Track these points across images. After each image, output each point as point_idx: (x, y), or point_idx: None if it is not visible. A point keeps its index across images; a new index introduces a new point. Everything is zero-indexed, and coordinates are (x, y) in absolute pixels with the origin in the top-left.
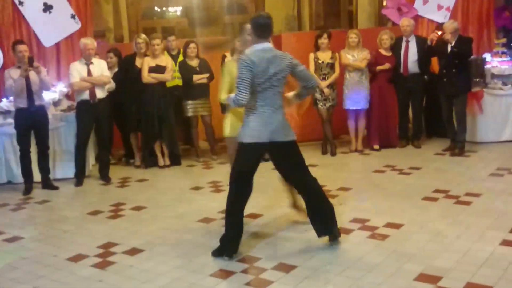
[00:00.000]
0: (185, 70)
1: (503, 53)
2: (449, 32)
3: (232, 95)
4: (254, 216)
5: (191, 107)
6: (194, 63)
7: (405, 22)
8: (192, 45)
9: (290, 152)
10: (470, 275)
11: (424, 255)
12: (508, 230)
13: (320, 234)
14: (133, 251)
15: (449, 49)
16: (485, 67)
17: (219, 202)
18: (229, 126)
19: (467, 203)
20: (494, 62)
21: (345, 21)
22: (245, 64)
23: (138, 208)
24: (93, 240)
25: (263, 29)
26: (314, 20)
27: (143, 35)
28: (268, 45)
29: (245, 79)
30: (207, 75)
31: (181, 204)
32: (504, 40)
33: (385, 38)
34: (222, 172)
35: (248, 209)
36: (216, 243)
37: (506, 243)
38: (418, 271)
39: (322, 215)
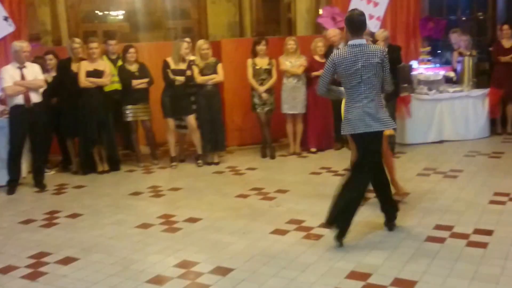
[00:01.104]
0: (124, 75)
1: (428, 60)
2: (381, 40)
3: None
4: (193, 220)
5: (130, 112)
6: (133, 67)
7: (331, 33)
8: (131, 50)
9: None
10: (398, 271)
11: (355, 253)
12: (432, 227)
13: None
14: (67, 260)
15: None
16: (412, 73)
17: (158, 207)
18: None
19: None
20: (420, 69)
21: (285, 28)
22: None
23: (74, 216)
24: (24, 250)
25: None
26: (255, 27)
27: (77, 39)
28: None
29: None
30: (146, 79)
31: (119, 210)
32: (429, 49)
33: (320, 45)
34: (162, 176)
35: (187, 213)
36: (152, 248)
37: (430, 239)
38: (349, 269)
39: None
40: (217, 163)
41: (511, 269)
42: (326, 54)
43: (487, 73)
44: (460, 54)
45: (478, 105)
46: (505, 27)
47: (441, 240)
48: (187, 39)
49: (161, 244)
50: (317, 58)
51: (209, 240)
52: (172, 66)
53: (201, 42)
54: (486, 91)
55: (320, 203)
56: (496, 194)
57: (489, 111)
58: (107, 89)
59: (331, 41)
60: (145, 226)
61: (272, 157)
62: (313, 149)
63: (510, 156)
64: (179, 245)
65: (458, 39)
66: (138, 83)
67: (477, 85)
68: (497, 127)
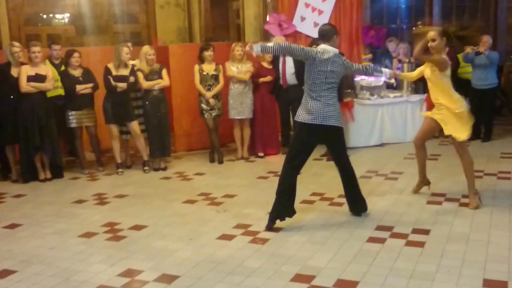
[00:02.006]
0: (67, 80)
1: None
2: None
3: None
4: (138, 227)
5: (74, 118)
6: (77, 72)
7: (278, 41)
8: (75, 54)
9: None
10: (340, 272)
11: (300, 256)
12: (374, 228)
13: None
14: (4, 273)
15: None
16: (354, 79)
17: (103, 215)
18: None
19: (340, 204)
20: (362, 76)
21: (234, 34)
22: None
23: (12, 226)
24: None
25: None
26: (204, 32)
27: (17, 43)
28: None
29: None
30: (91, 85)
31: (61, 219)
32: (370, 56)
33: None
34: (108, 183)
35: (133, 220)
36: (95, 258)
37: (372, 239)
38: (294, 272)
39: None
40: (164, 169)
41: (446, 266)
42: (273, 61)
43: (422, 79)
44: (400, 61)
45: (416, 110)
46: None
47: (381, 240)
48: (128, 44)
49: (104, 253)
50: (265, 64)
51: (155, 247)
52: (114, 72)
53: (146, 48)
54: (423, 96)
55: (267, 207)
56: (434, 194)
57: None
58: (50, 94)
59: None
60: (88, 235)
61: (220, 162)
62: (261, 154)
63: (446, 158)
64: (123, 254)
65: (396, 47)
66: (82, 89)
67: (415, 90)
68: None
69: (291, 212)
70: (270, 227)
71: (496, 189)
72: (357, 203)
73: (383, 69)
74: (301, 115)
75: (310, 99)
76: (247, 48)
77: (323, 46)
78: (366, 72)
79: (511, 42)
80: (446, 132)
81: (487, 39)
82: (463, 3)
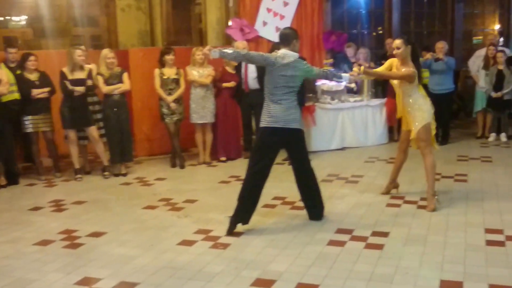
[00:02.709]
0: (23, 84)
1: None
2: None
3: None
4: (97, 234)
5: (31, 123)
6: (33, 76)
7: (240, 45)
8: (31, 58)
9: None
10: (301, 276)
11: (260, 261)
12: (334, 231)
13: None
14: None
15: None
16: (316, 84)
17: (60, 222)
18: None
19: (301, 208)
20: (324, 80)
21: (196, 38)
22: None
23: None
24: None
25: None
26: (166, 36)
27: None
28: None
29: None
30: (47, 89)
31: (16, 227)
32: (331, 61)
33: None
34: (66, 190)
35: (91, 227)
36: (52, 266)
37: (332, 243)
38: (254, 277)
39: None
40: (124, 174)
41: (404, 268)
42: (237, 66)
43: (381, 84)
44: (360, 66)
45: (377, 114)
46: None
47: (341, 243)
48: (81, 46)
49: (61, 261)
50: (229, 69)
51: (113, 254)
52: (69, 76)
53: (106, 51)
54: (383, 100)
55: (228, 211)
56: (393, 197)
57: (387, 119)
58: (5, 99)
59: None
60: (44, 243)
61: (182, 167)
62: (223, 158)
63: (406, 161)
64: (81, 262)
65: (355, 52)
66: (38, 93)
67: (375, 95)
68: (394, 134)
69: (247, 219)
70: (230, 232)
71: (453, 191)
72: (314, 208)
73: (343, 74)
74: (263, 120)
75: (271, 103)
76: (205, 50)
77: (283, 51)
78: (326, 77)
79: (468, 48)
80: (412, 136)
81: (442, 45)
82: (422, 10)
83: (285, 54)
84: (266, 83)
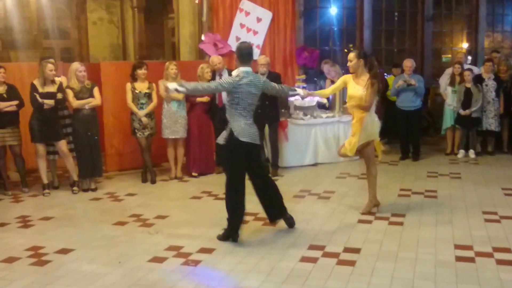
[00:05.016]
0: None
1: (303, 87)
2: (263, 63)
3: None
4: (65, 251)
5: None
6: (0, 89)
7: (216, 60)
8: (0, 70)
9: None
10: None
11: (232, 277)
12: (307, 247)
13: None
14: None
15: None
16: (288, 99)
17: (27, 238)
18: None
19: (274, 224)
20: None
21: (168, 52)
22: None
23: None
24: None
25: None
26: (138, 50)
27: None
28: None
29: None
30: (15, 102)
31: None
32: (303, 76)
33: (208, 71)
34: (33, 205)
35: (58, 243)
36: (18, 284)
37: (304, 259)
38: None
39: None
40: (94, 189)
41: (376, 284)
42: (210, 81)
43: None
44: (332, 82)
45: (348, 130)
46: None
47: (314, 260)
48: (51, 60)
49: (27, 279)
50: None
51: (81, 272)
52: (40, 89)
53: (76, 64)
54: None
55: (200, 227)
56: (364, 213)
57: None
58: None
59: (215, 68)
60: (10, 260)
61: (153, 182)
62: (195, 174)
63: (378, 177)
64: (48, 279)
65: (330, 69)
66: (5, 106)
67: (347, 111)
68: None
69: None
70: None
71: (423, 208)
72: (274, 210)
73: (297, 88)
74: (227, 137)
75: (237, 120)
76: (163, 87)
77: (242, 69)
78: (283, 92)
79: (437, 65)
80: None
81: (410, 64)
82: (392, 28)
83: (245, 73)
84: (229, 101)
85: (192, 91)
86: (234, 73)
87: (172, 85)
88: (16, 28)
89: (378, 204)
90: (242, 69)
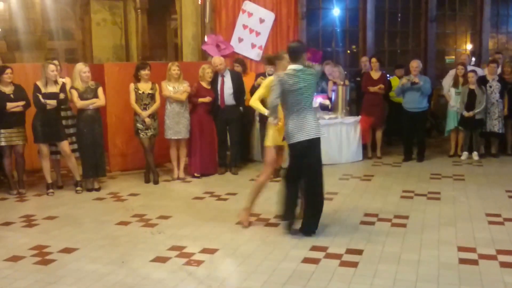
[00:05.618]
0: None
1: None
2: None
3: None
4: (69, 250)
5: (4, 136)
6: (8, 89)
7: (217, 61)
8: (8, 71)
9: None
10: None
11: (234, 278)
12: (309, 248)
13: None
14: None
15: None
16: None
17: (31, 238)
18: (270, 137)
19: (275, 225)
20: None
21: (171, 53)
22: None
23: None
24: None
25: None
26: (141, 51)
27: None
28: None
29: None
30: (22, 102)
31: None
32: None
33: (209, 72)
34: (37, 205)
35: (62, 243)
36: (22, 283)
37: (307, 260)
38: None
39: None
40: (98, 189)
41: (378, 286)
42: (212, 82)
43: (354, 102)
44: (334, 83)
45: (351, 131)
46: (373, 60)
47: (316, 261)
48: (55, 61)
49: (31, 278)
50: (204, 84)
51: (85, 271)
52: (43, 89)
53: (81, 65)
54: (357, 118)
55: (202, 228)
56: (366, 215)
57: (361, 137)
58: None
59: (217, 69)
60: (14, 259)
61: (156, 182)
62: (197, 174)
63: (379, 178)
64: (52, 278)
65: (332, 70)
66: (13, 106)
67: (350, 112)
68: (368, 152)
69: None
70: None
71: (426, 209)
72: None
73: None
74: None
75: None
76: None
77: (293, 67)
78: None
79: (440, 66)
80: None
81: (416, 64)
82: (395, 29)
83: (292, 69)
84: (286, 102)
85: (274, 110)
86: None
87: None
88: (21, 29)
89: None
90: (293, 67)
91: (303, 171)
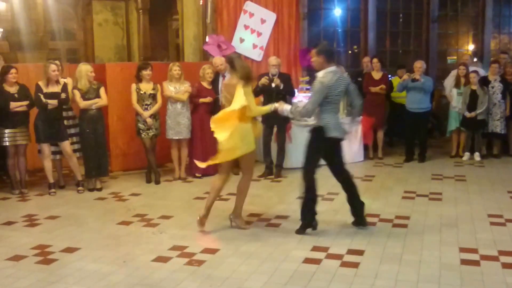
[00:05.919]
0: (2, 97)
1: (307, 89)
2: (274, 64)
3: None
4: (70, 250)
5: (8, 136)
6: (12, 89)
7: (218, 61)
8: (12, 71)
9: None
10: None
11: (235, 278)
12: (310, 248)
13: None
14: None
15: (272, 86)
16: (292, 101)
17: (33, 237)
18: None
19: (277, 225)
20: (300, 97)
21: (173, 53)
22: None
23: None
24: None
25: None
26: (142, 51)
27: None
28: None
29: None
30: (26, 102)
31: None
32: (307, 78)
33: (210, 72)
34: (39, 204)
35: (64, 242)
36: (24, 282)
37: (308, 260)
38: None
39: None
40: (99, 189)
41: (380, 286)
42: (213, 82)
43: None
44: None
45: (352, 132)
46: (375, 60)
47: (317, 261)
48: (56, 61)
49: (33, 277)
50: (205, 84)
51: (87, 270)
52: (44, 89)
53: (87, 66)
54: (359, 118)
55: (203, 228)
56: (368, 215)
57: (362, 138)
58: None
59: (218, 69)
60: (16, 258)
61: (157, 182)
62: (198, 174)
63: (380, 179)
64: (53, 278)
65: None
66: (17, 106)
67: (351, 113)
68: (369, 152)
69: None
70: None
71: (428, 210)
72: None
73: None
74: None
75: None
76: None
77: (330, 69)
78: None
79: (442, 67)
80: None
81: (420, 65)
82: (397, 30)
83: (329, 72)
84: (325, 102)
85: (305, 114)
86: (320, 74)
87: (286, 109)
88: (23, 29)
89: (204, 220)
90: (330, 69)
91: (332, 167)
